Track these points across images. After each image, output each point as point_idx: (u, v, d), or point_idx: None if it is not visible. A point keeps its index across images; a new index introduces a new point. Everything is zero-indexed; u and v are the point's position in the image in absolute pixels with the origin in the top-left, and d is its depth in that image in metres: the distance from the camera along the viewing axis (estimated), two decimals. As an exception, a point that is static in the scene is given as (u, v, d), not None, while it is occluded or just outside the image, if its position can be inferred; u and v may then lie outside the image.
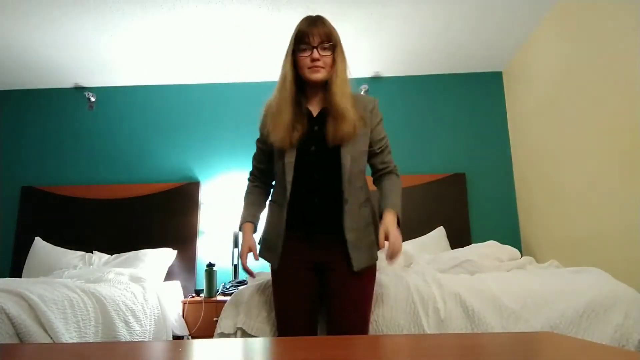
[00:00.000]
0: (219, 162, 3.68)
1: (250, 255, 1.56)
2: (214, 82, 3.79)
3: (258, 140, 1.68)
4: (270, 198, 1.66)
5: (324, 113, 1.52)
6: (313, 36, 1.47)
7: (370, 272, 1.56)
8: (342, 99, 1.47)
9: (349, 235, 1.48)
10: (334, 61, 1.50)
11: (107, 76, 3.68)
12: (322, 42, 1.47)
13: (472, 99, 3.69)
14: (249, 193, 1.71)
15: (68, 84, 3.79)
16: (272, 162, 1.63)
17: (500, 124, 3.65)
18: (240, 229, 1.63)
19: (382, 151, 1.66)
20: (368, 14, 2.89)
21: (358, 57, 3.43)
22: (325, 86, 1.52)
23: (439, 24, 3.02)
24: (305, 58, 1.47)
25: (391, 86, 3.74)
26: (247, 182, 1.74)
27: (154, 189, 3.55)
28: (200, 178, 3.64)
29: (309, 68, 1.47)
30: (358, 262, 1.48)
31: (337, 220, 1.49)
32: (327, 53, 1.48)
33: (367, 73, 3.70)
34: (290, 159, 1.49)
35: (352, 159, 1.51)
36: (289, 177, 1.48)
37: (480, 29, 3.09)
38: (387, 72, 3.72)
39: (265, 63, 3.48)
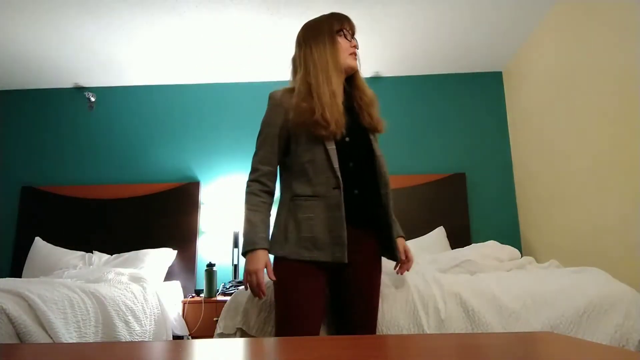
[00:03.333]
0: (219, 162, 3.68)
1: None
2: (214, 82, 3.80)
3: (271, 127, 1.49)
4: (294, 194, 1.44)
5: (350, 104, 1.54)
6: (351, 26, 1.55)
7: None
8: (370, 90, 1.57)
9: (395, 226, 1.54)
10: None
11: (107, 76, 3.68)
12: (354, 35, 1.55)
13: (472, 99, 3.69)
14: (256, 210, 1.45)
15: (68, 84, 3.79)
16: (282, 154, 1.52)
17: (500, 124, 3.65)
18: (245, 254, 1.41)
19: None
20: (368, 14, 2.89)
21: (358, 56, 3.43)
22: (345, 79, 1.56)
23: (439, 24, 3.02)
24: (347, 42, 1.51)
25: (391, 86, 3.74)
26: (249, 190, 1.50)
27: (154, 189, 3.55)
28: (200, 178, 3.64)
29: (350, 54, 1.51)
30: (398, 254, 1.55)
31: (374, 213, 1.50)
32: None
33: (367, 73, 3.70)
34: (331, 145, 1.41)
35: (379, 150, 1.54)
36: (336, 164, 1.40)
37: (480, 29, 3.09)
38: (387, 72, 3.72)
39: (265, 63, 3.48)
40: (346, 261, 1.37)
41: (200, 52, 3.33)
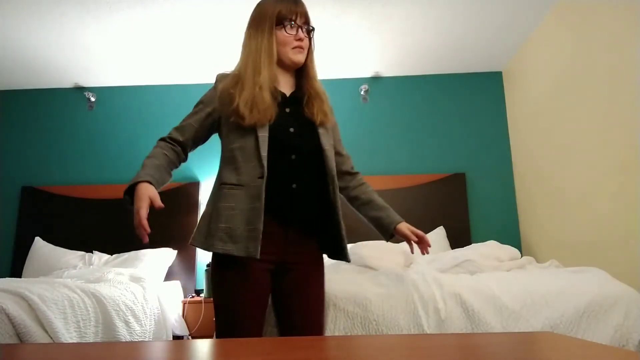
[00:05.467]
0: (219, 162, 3.67)
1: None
2: (213, 82, 3.79)
3: (205, 105, 1.47)
4: (221, 182, 1.39)
5: (296, 96, 1.45)
6: (298, 15, 1.41)
7: (322, 267, 1.52)
8: (318, 82, 1.47)
9: (343, 225, 1.43)
10: (309, 46, 1.46)
11: (107, 76, 3.68)
12: (304, 23, 1.43)
13: (472, 99, 3.69)
14: (150, 157, 1.38)
15: (68, 84, 3.79)
16: (207, 133, 1.49)
17: (500, 124, 3.65)
18: (127, 192, 1.28)
19: (347, 155, 1.64)
20: (368, 14, 2.89)
21: (358, 57, 3.43)
22: (293, 70, 1.47)
23: (439, 23, 3.02)
24: (289, 36, 1.40)
25: (391, 86, 3.74)
26: (160, 142, 1.46)
27: (154, 189, 3.54)
28: (200, 178, 3.64)
29: (293, 48, 1.40)
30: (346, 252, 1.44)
31: (314, 210, 1.42)
32: (307, 36, 1.43)
33: (367, 73, 3.70)
34: (263, 133, 1.33)
35: (330, 145, 1.45)
36: (264, 152, 1.31)
37: (480, 29, 3.09)
38: (387, 72, 3.72)
39: (265, 63, 3.48)
40: (258, 257, 1.26)
41: (200, 52, 3.33)
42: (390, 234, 1.57)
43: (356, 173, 1.64)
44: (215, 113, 1.45)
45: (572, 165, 2.66)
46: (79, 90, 3.82)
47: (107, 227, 3.47)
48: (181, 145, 1.47)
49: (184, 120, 1.48)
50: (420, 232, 1.55)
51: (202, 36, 3.12)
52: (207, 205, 1.42)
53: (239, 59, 1.46)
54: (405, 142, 3.63)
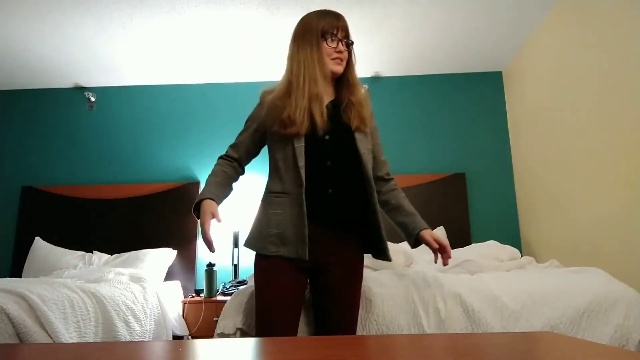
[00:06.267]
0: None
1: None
2: (213, 82, 3.80)
3: (252, 122, 1.58)
4: (269, 190, 1.51)
5: (336, 104, 1.54)
6: (340, 29, 1.51)
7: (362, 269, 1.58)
8: (359, 89, 1.54)
9: (382, 226, 1.50)
10: (349, 58, 1.55)
11: (107, 76, 3.68)
12: (344, 37, 1.52)
13: (472, 99, 3.69)
14: (212, 174, 1.54)
15: (68, 84, 3.79)
16: (259, 146, 1.62)
17: (500, 124, 3.65)
18: (195, 209, 1.45)
19: (384, 160, 1.67)
20: (368, 14, 2.89)
21: (358, 57, 3.38)
22: (333, 80, 1.56)
23: (439, 23, 3.02)
24: (331, 49, 1.49)
25: (391, 86, 3.74)
26: (219, 160, 1.60)
27: (154, 189, 3.55)
28: (200, 178, 3.64)
29: (333, 59, 1.50)
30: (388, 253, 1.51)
31: (352, 215, 1.48)
32: (346, 49, 1.53)
33: (367, 73, 3.70)
34: (299, 143, 1.44)
35: (367, 152, 1.52)
36: (301, 162, 1.42)
37: (480, 29, 3.09)
38: (387, 72, 3.72)
39: (265, 63, 3.48)
40: (307, 258, 1.38)
41: (200, 51, 3.33)
42: (415, 240, 1.60)
43: (390, 179, 1.68)
44: (262, 128, 1.56)
45: (572, 165, 2.66)
46: (79, 90, 3.82)
47: (107, 227, 3.47)
48: (237, 161, 1.61)
49: (237, 138, 1.62)
50: (443, 241, 1.57)
51: (202, 36, 3.12)
52: (258, 211, 1.54)
53: (286, 70, 1.54)
54: (405, 142, 3.63)
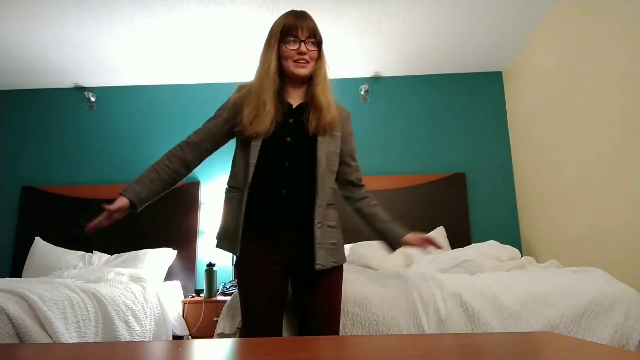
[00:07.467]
0: (218, 162, 3.65)
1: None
2: (213, 82, 3.79)
3: (222, 111, 1.58)
4: (228, 185, 1.55)
5: (303, 106, 1.52)
6: (301, 30, 1.46)
7: (337, 273, 1.53)
8: (325, 91, 1.50)
9: (317, 232, 1.43)
10: (318, 57, 1.52)
11: (107, 76, 3.68)
12: (309, 37, 1.47)
13: (472, 99, 3.69)
14: (151, 168, 1.67)
15: (68, 84, 3.79)
16: (225, 138, 1.59)
17: (500, 124, 3.65)
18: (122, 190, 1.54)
19: (356, 166, 1.65)
20: (368, 14, 2.89)
21: (358, 57, 3.43)
22: (306, 81, 1.53)
23: (438, 23, 3.02)
24: (291, 51, 1.46)
25: (391, 86, 3.74)
26: (174, 148, 1.61)
27: (154, 189, 3.54)
28: (200, 178, 3.64)
29: (295, 61, 1.47)
30: (323, 261, 1.43)
31: (304, 216, 1.45)
32: (313, 48, 1.48)
33: (367, 73, 3.70)
34: (256, 142, 1.44)
35: (327, 156, 1.49)
36: (253, 160, 1.43)
37: (481, 29, 3.09)
38: (387, 72, 3.72)
39: (265, 63, 3.48)
40: (237, 254, 1.42)
41: (200, 51, 3.33)
42: (396, 248, 1.58)
43: (361, 185, 1.65)
44: (230, 121, 1.55)
45: (572, 165, 2.66)
46: (79, 90, 3.82)
47: (107, 227, 3.46)
48: (195, 146, 1.57)
49: (204, 123, 1.61)
50: (423, 235, 1.58)
51: (202, 36, 3.12)
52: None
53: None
54: (405, 142, 3.63)
